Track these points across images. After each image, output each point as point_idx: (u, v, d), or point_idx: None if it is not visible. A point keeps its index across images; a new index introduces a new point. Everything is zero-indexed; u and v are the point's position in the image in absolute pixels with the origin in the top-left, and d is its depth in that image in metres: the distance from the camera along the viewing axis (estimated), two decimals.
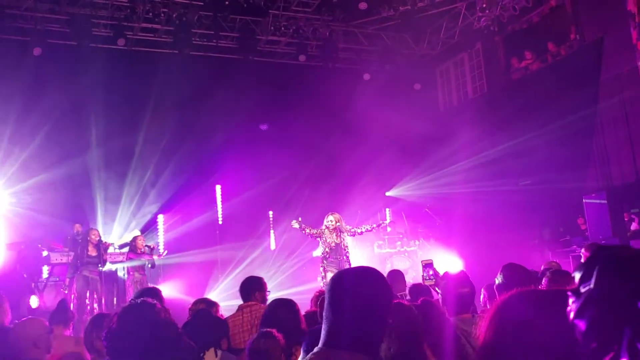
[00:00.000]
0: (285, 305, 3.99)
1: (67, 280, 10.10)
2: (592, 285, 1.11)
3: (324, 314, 1.84)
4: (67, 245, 10.85)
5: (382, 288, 1.85)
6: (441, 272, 4.31)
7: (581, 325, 1.11)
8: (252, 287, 5.32)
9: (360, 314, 1.76)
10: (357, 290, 1.80)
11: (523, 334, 1.36)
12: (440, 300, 3.80)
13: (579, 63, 11.35)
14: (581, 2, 11.48)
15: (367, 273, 1.89)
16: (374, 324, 1.78)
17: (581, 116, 10.83)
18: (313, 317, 4.32)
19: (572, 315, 1.14)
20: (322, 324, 1.82)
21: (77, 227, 10.96)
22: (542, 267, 5.92)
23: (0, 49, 11.33)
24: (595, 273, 1.12)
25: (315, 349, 1.79)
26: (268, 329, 3.42)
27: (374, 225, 10.74)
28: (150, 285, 4.88)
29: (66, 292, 10.01)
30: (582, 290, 1.14)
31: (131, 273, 10.49)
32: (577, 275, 1.17)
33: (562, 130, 10.99)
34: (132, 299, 4.02)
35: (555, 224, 11.59)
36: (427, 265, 4.37)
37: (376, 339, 1.79)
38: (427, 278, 4.33)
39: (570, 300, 1.17)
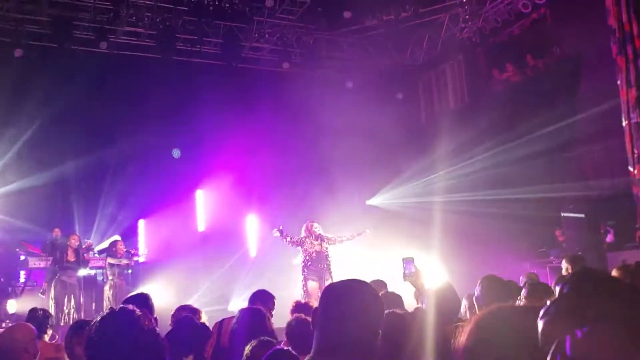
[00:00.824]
0: (255, 315, 3.99)
1: (45, 284, 9.98)
2: (558, 295, 1.25)
3: (316, 322, 1.89)
4: (46, 250, 10.72)
5: (373, 299, 1.92)
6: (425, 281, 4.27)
7: (540, 325, 1.22)
8: (263, 299, 5.39)
9: (352, 323, 1.82)
10: (348, 301, 1.87)
11: (498, 349, 1.40)
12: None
13: (558, 76, 11.53)
14: (562, 16, 11.66)
15: (358, 285, 1.97)
16: (366, 333, 1.83)
17: (560, 129, 10.98)
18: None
19: (539, 317, 1.25)
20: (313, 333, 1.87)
21: (57, 232, 10.85)
22: (521, 278, 6.01)
23: None
24: (565, 286, 1.26)
25: (307, 358, 1.82)
26: (267, 338, 3.43)
27: (355, 234, 10.74)
28: (140, 291, 4.84)
29: (43, 296, 9.90)
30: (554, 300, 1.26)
31: (110, 278, 10.42)
32: (557, 288, 1.29)
33: (541, 142, 11.14)
34: (111, 307, 3.98)
35: (533, 235, 11.72)
36: (408, 261, 4.22)
37: (367, 348, 1.83)
38: (408, 274, 4.17)
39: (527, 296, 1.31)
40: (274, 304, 5.54)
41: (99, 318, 2.54)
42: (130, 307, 2.64)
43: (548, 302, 1.28)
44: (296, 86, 13.36)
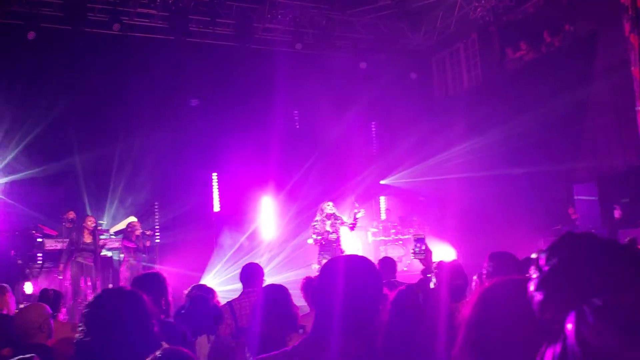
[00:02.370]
0: (279, 291, 4.01)
1: (61, 266, 10.10)
2: (555, 262, 1.17)
3: (315, 300, 1.87)
4: (61, 232, 10.83)
5: (372, 275, 1.88)
6: (435, 259, 4.28)
7: (538, 296, 1.17)
8: (256, 274, 5.37)
9: (350, 300, 1.79)
10: (347, 277, 1.83)
11: (504, 323, 1.40)
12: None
13: (572, 54, 11.39)
14: None
15: (356, 261, 1.93)
16: (364, 310, 1.81)
17: (573, 107, 10.89)
18: None
19: (531, 287, 1.20)
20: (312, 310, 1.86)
21: (72, 214, 10.95)
22: (533, 255, 5.96)
23: None
24: (560, 252, 1.19)
25: (305, 335, 1.82)
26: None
27: (351, 218, 10.54)
28: (155, 269, 4.89)
29: (60, 277, 10.03)
30: (545, 267, 1.20)
31: (126, 259, 10.51)
32: (543, 256, 1.22)
33: (555, 120, 11.05)
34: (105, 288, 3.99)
35: (547, 213, 11.66)
36: (419, 239, 4.21)
37: (367, 325, 1.81)
38: (418, 252, 4.18)
39: (533, 275, 1.22)
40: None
41: (95, 294, 2.55)
42: (134, 289, 2.63)
43: (536, 273, 1.25)
44: (309, 67, 13.32)
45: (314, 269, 10.32)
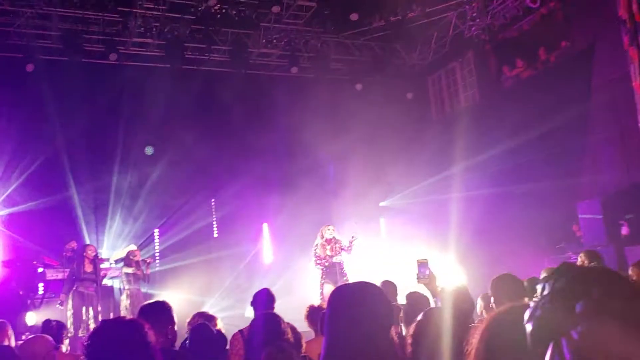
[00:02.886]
0: (272, 320, 3.96)
1: (62, 296, 10.04)
2: (545, 292, 1.18)
3: (324, 328, 1.87)
4: (62, 262, 10.79)
5: (381, 302, 1.87)
6: (439, 282, 4.26)
7: (528, 327, 1.18)
8: (268, 300, 5.35)
9: (359, 327, 1.78)
10: (356, 304, 1.83)
11: (511, 350, 1.38)
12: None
13: (570, 70, 11.44)
14: (572, 9, 11.57)
15: (365, 288, 1.92)
16: (373, 337, 1.79)
17: (573, 123, 10.89)
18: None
19: (525, 320, 1.21)
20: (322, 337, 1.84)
21: (72, 244, 10.91)
22: (542, 274, 5.93)
23: None
24: (550, 283, 1.20)
25: None
26: (283, 343, 3.41)
27: (349, 244, 10.49)
28: (157, 299, 4.84)
29: (61, 308, 9.96)
30: (538, 298, 1.21)
31: (126, 287, 10.45)
32: (539, 287, 1.24)
33: (555, 137, 11.06)
34: (103, 319, 3.98)
35: (551, 230, 11.62)
36: (423, 264, 4.21)
37: (376, 353, 1.79)
38: (422, 277, 4.16)
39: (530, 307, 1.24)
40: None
41: (94, 328, 2.54)
42: (125, 318, 2.62)
43: (531, 303, 1.26)
44: (306, 90, 13.38)
45: (318, 294, 10.27)
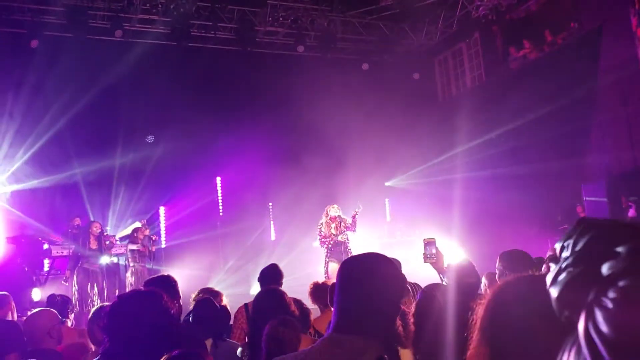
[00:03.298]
0: (274, 295, 3.96)
1: (67, 272, 10.09)
2: (567, 254, 1.09)
3: (334, 299, 1.85)
4: (67, 239, 10.83)
5: (392, 273, 1.84)
6: (445, 261, 4.24)
7: (553, 292, 1.09)
8: (276, 275, 5.34)
9: (370, 298, 1.75)
10: (367, 275, 1.79)
11: (517, 320, 1.36)
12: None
13: (577, 51, 11.35)
14: None
15: (376, 258, 1.87)
16: (384, 309, 1.76)
17: (579, 104, 10.83)
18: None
19: (547, 284, 1.12)
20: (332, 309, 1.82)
21: (77, 220, 10.95)
22: (548, 253, 5.90)
23: None
24: (571, 242, 1.10)
25: (325, 335, 1.79)
26: (287, 317, 3.41)
27: (352, 218, 10.48)
28: (165, 273, 4.87)
29: (66, 284, 10.02)
30: (559, 259, 1.12)
31: (131, 265, 10.50)
32: (558, 246, 1.15)
33: (561, 118, 11.00)
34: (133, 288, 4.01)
35: (554, 211, 11.61)
36: (429, 243, 4.17)
37: (386, 324, 1.77)
38: (429, 256, 4.13)
39: (551, 269, 1.15)
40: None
41: (118, 297, 2.56)
42: (151, 288, 2.64)
43: (552, 266, 1.18)
44: (312, 69, 13.31)
45: (322, 272, 10.31)
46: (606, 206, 10.07)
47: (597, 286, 0.95)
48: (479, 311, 1.49)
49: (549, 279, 1.12)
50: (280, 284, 5.30)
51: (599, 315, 0.90)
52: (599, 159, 10.93)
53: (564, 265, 1.07)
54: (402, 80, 14.44)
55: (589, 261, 1.03)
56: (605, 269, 0.98)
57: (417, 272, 5.48)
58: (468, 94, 14.43)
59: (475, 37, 14.34)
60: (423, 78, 15.26)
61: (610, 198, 9.97)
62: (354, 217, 10.29)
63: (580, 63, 11.11)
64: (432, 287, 3.35)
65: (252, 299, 4.87)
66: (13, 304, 5.10)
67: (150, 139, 13.02)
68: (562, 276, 1.06)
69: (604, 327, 0.88)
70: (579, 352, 0.93)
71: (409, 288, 3.59)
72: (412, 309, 3.20)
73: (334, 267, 9.81)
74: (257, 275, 5.51)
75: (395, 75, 14.30)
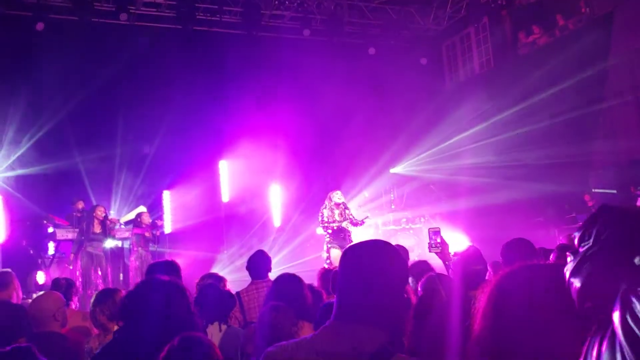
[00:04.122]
0: (292, 281, 3.97)
1: (72, 256, 10.12)
2: (590, 243, 1.07)
3: (336, 286, 1.82)
4: (71, 222, 10.85)
5: (396, 261, 1.80)
6: (451, 249, 4.21)
7: (576, 283, 1.08)
8: (264, 263, 5.33)
9: (372, 287, 1.72)
10: (369, 263, 1.76)
11: (520, 308, 1.34)
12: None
13: (588, 37, 11.20)
14: None
15: (379, 246, 1.84)
16: (387, 297, 1.73)
17: (589, 90, 10.72)
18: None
19: (567, 274, 1.11)
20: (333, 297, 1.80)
21: (79, 204, 10.96)
22: (558, 243, 5.86)
23: (2, 24, 11.22)
24: (594, 231, 1.08)
25: (327, 322, 1.76)
26: (278, 303, 3.40)
27: (359, 221, 10.44)
28: (169, 257, 4.92)
29: (71, 267, 10.05)
30: (581, 249, 1.10)
31: (135, 249, 10.51)
32: (577, 235, 1.14)
33: (569, 105, 10.90)
34: (148, 275, 4.04)
35: (562, 200, 11.54)
36: (435, 232, 4.15)
37: (389, 313, 1.73)
38: (434, 245, 4.12)
39: (569, 260, 1.14)
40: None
41: (138, 283, 2.64)
42: (166, 277, 2.69)
43: (569, 257, 1.14)
44: (318, 53, 13.22)
45: (323, 258, 10.30)
46: (615, 197, 9.98)
47: (629, 275, 0.92)
48: (481, 299, 1.47)
49: (569, 269, 1.08)
50: (269, 270, 5.30)
51: (637, 305, 0.87)
52: (607, 146, 10.84)
53: (588, 254, 1.04)
54: (409, 65, 14.32)
55: (618, 250, 0.99)
56: (637, 258, 0.95)
57: (423, 259, 5.45)
58: (476, 79, 14.32)
59: (484, 22, 14.20)
60: (430, 63, 15.14)
61: (619, 186, 9.89)
62: (362, 221, 10.28)
63: (590, 49, 10.97)
64: (434, 279, 3.32)
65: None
66: (17, 282, 5.11)
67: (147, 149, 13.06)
68: (587, 266, 1.03)
69: None
70: (613, 343, 0.91)
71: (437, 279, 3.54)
72: (421, 294, 3.19)
73: (337, 253, 9.79)
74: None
75: (402, 60, 14.19)
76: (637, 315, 0.87)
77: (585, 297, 1.05)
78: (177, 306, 2.45)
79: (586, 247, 1.08)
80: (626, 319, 0.88)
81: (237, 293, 4.99)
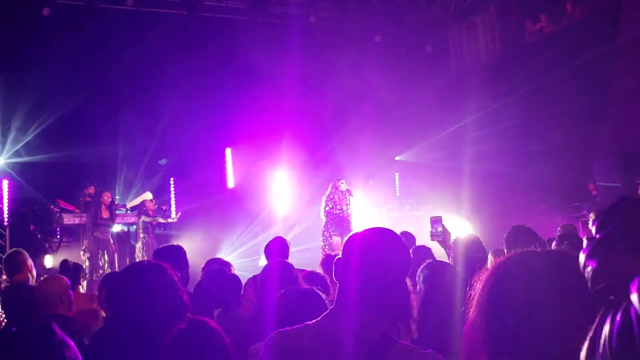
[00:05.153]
0: (286, 268, 3.98)
1: (86, 242, 10.17)
2: (609, 230, 1.12)
3: (337, 273, 1.84)
4: (80, 207, 10.93)
5: (398, 249, 1.82)
6: (453, 236, 4.27)
7: (592, 264, 1.12)
8: (282, 249, 5.37)
9: (374, 274, 1.74)
10: (372, 250, 1.78)
11: (517, 295, 1.35)
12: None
13: (595, 25, 11.14)
14: None
15: (382, 234, 1.86)
16: (389, 284, 1.75)
17: (595, 80, 10.68)
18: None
19: (583, 258, 1.15)
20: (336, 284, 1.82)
21: (91, 189, 11.02)
22: (558, 230, 5.88)
23: (9, 9, 11.22)
24: (612, 220, 1.13)
25: (330, 309, 1.80)
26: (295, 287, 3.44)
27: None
28: (175, 243, 4.97)
29: (83, 253, 10.12)
30: (598, 235, 1.15)
31: (141, 236, 10.58)
32: (595, 222, 1.18)
33: (575, 93, 10.87)
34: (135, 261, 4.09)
35: (565, 188, 11.55)
36: (436, 220, 4.19)
37: (391, 301, 1.76)
38: (436, 234, 4.17)
39: (585, 244, 1.18)
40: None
41: (124, 269, 2.61)
42: (157, 262, 2.70)
43: (584, 241, 1.19)
44: (323, 40, 13.19)
45: (321, 245, 10.33)
46: (618, 182, 9.98)
47: None
48: (478, 286, 1.49)
49: (584, 252, 1.14)
50: (287, 257, 5.33)
51: None
52: (612, 135, 10.82)
53: (605, 240, 1.10)
54: (415, 53, 14.29)
55: (634, 238, 1.05)
56: None
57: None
58: (481, 68, 14.26)
59: (490, 10, 14.11)
60: (436, 51, 15.07)
61: (623, 176, 9.88)
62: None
63: (597, 37, 10.92)
64: (437, 265, 3.36)
65: (260, 271, 4.92)
66: (30, 262, 5.17)
67: (163, 161, 13.10)
68: (603, 250, 1.08)
69: None
70: (628, 322, 0.94)
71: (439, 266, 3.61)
72: (422, 283, 3.22)
73: (338, 240, 9.84)
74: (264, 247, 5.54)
75: (408, 47, 14.15)
76: None
77: (600, 279, 1.09)
78: (161, 287, 2.41)
79: (604, 233, 1.13)
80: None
81: (254, 277, 5.01)
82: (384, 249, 1.80)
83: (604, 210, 1.18)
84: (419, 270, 3.37)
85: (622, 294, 0.96)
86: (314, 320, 1.80)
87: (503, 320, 1.37)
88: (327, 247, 9.88)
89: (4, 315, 4.01)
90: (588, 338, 1.04)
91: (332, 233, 10.04)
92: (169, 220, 10.97)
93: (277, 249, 5.37)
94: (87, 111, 11.92)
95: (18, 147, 11.47)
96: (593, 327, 1.04)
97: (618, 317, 0.97)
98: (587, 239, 1.19)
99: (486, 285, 1.44)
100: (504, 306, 1.38)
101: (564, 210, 11.02)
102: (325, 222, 10.16)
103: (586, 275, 1.13)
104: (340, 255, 1.86)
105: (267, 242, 5.60)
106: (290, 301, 2.75)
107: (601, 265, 1.10)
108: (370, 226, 1.94)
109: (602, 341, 0.99)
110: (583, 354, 1.05)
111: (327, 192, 10.25)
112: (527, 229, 4.16)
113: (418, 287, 3.25)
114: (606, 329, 0.99)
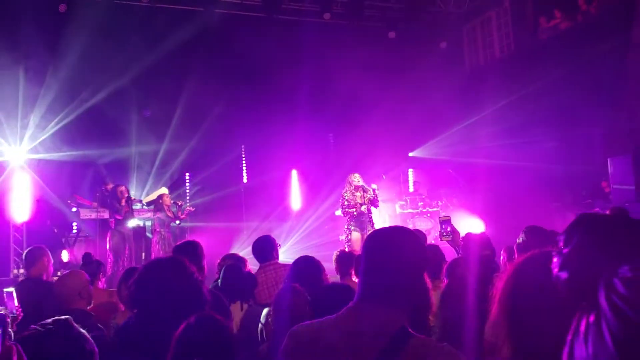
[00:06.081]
0: (312, 264, 4.07)
1: (109, 236, 10.27)
2: (573, 242, 1.27)
3: (359, 270, 1.95)
4: (98, 201, 11.04)
5: (415, 245, 1.93)
6: (463, 233, 4.34)
7: (563, 276, 1.25)
8: (268, 247, 5.39)
9: (394, 270, 1.84)
10: (391, 248, 1.89)
11: (537, 293, 1.43)
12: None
13: (609, 22, 11.07)
14: None
15: (400, 232, 1.98)
16: (407, 279, 1.84)
17: (610, 78, 10.62)
18: None
19: (555, 270, 1.28)
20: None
21: (110, 185, 11.13)
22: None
23: (25, 6, 11.31)
24: (577, 233, 1.29)
25: (351, 303, 1.88)
26: (293, 284, 3.51)
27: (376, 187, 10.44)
28: (190, 238, 5.04)
29: (108, 247, 10.23)
30: (565, 250, 1.29)
31: (157, 231, 10.67)
32: (562, 238, 1.32)
33: (590, 91, 10.81)
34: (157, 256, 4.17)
35: (579, 186, 11.51)
36: (445, 221, 4.33)
37: (409, 295, 1.85)
38: (445, 234, 4.30)
39: (554, 259, 1.30)
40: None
41: (146, 264, 2.69)
42: (177, 257, 2.77)
43: (555, 257, 1.32)
44: (338, 37, 13.20)
45: (341, 240, 10.40)
46: (632, 180, 9.90)
47: (607, 268, 1.08)
48: (499, 284, 1.56)
49: (556, 266, 1.28)
50: (277, 257, 5.35)
51: (617, 284, 1.04)
52: (626, 132, 10.76)
53: (572, 253, 1.25)
54: (429, 49, 14.27)
55: (596, 250, 1.20)
56: (613, 252, 1.12)
57: (439, 242, 5.53)
58: (496, 64, 14.22)
59: (505, 6, 14.06)
60: (450, 47, 15.04)
61: (637, 172, 9.80)
62: (375, 195, 10.18)
63: (613, 33, 10.85)
64: (454, 263, 3.42)
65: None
66: (47, 258, 5.25)
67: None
68: (572, 263, 1.24)
69: (626, 293, 1.02)
70: (598, 317, 1.06)
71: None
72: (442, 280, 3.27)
73: (357, 236, 9.89)
74: (281, 242, 5.57)
75: (422, 44, 14.14)
76: (618, 292, 1.03)
77: (571, 287, 1.23)
78: (180, 283, 2.51)
79: (570, 247, 1.28)
80: (610, 296, 1.04)
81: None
82: (402, 246, 1.90)
83: (568, 228, 1.34)
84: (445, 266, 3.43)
85: (592, 299, 1.09)
86: (335, 315, 1.89)
87: (522, 319, 1.47)
88: (347, 243, 9.92)
89: (20, 309, 4.10)
90: (568, 341, 1.16)
91: (351, 229, 10.09)
92: (177, 223, 10.98)
93: (266, 248, 5.37)
94: (101, 109, 12.00)
95: (36, 142, 11.60)
96: (571, 331, 1.16)
97: (591, 319, 1.09)
98: (556, 253, 1.32)
99: (507, 284, 1.52)
100: (523, 305, 1.48)
101: (576, 207, 10.97)
102: (346, 219, 10.21)
103: (559, 286, 1.26)
104: (359, 252, 1.96)
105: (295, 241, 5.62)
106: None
107: (572, 275, 1.24)
108: (387, 224, 2.05)
109: (577, 343, 1.12)
110: (564, 356, 1.17)
111: (344, 189, 10.28)
112: (541, 229, 4.19)
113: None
114: (581, 331, 1.11)
